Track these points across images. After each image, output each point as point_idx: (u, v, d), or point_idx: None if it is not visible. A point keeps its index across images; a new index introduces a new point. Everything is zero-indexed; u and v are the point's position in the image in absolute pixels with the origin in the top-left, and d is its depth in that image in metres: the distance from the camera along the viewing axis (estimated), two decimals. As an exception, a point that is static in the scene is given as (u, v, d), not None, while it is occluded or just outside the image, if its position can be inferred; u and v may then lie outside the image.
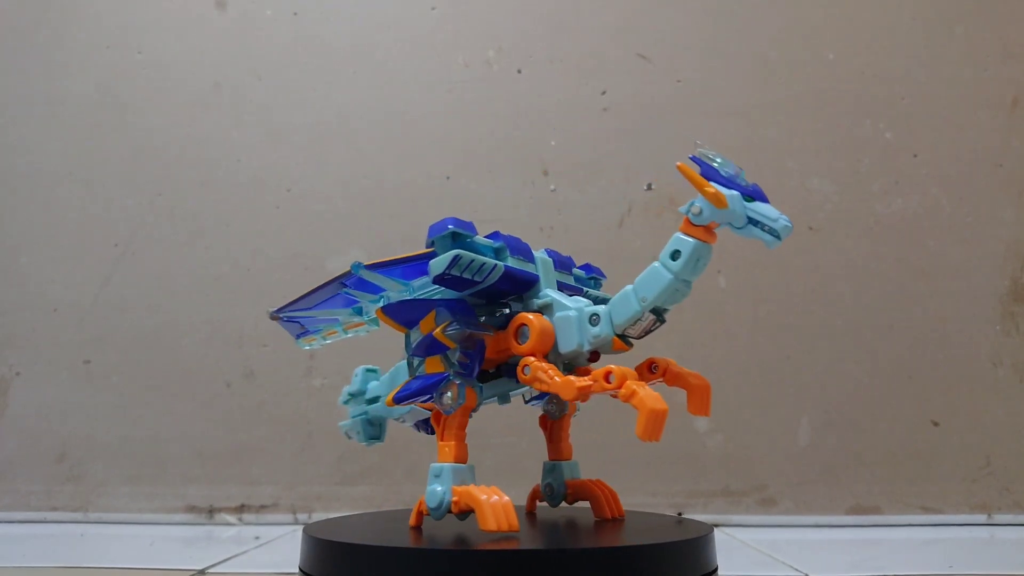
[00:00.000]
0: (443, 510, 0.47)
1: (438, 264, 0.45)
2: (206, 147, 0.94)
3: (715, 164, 0.43)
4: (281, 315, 0.54)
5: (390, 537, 0.47)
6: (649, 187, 0.91)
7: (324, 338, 0.58)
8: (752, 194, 0.43)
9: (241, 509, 0.89)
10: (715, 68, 0.92)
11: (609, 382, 0.43)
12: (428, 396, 0.47)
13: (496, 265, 0.46)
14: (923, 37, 0.91)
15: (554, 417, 0.57)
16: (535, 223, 0.91)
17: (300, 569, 0.49)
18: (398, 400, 0.48)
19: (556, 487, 0.56)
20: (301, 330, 0.57)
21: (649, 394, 0.41)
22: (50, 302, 0.93)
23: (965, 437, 0.88)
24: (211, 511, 0.89)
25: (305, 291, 0.52)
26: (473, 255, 0.45)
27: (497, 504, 0.44)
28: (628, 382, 0.43)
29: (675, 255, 0.44)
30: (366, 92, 0.93)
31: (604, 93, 0.92)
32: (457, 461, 0.47)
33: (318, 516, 0.87)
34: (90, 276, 0.93)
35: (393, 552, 0.43)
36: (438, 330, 0.46)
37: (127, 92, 0.95)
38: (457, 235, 0.46)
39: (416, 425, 0.57)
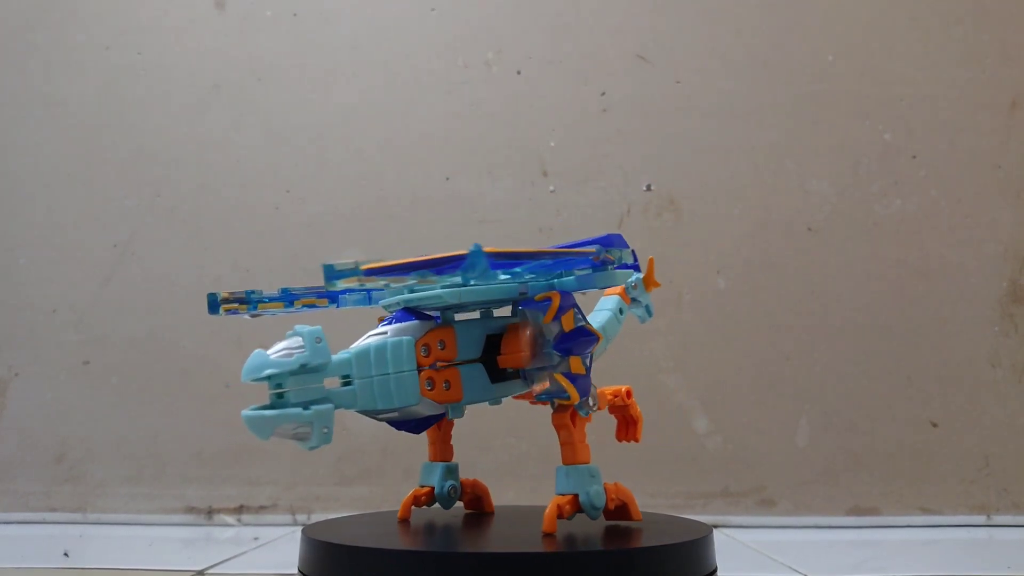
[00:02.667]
0: (602, 509, 0.49)
1: (624, 276, 0.52)
2: (206, 148, 0.94)
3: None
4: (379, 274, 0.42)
5: (389, 539, 0.47)
6: (648, 188, 0.91)
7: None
8: None
9: (240, 510, 0.89)
10: (714, 69, 0.92)
11: (630, 398, 0.54)
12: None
13: None
14: (922, 39, 0.92)
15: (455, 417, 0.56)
16: (534, 224, 0.91)
17: (299, 570, 0.49)
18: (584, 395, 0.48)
19: (458, 487, 0.55)
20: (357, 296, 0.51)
21: None
22: (49, 302, 0.93)
23: (964, 438, 0.88)
24: (210, 512, 0.89)
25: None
26: None
27: None
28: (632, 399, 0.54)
29: (622, 311, 0.57)
30: (366, 93, 0.93)
31: (603, 94, 0.92)
32: None
33: (317, 517, 0.87)
34: (89, 276, 0.93)
35: (392, 554, 0.43)
36: (599, 332, 0.49)
37: (127, 93, 0.95)
38: None
39: (398, 424, 0.49)
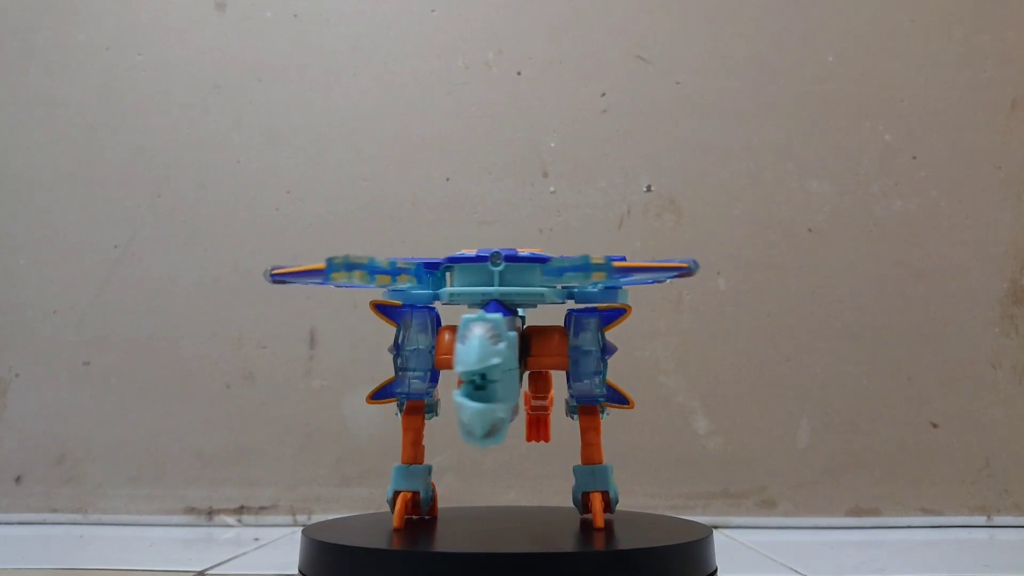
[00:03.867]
0: None
1: (626, 296, 0.54)
2: (206, 149, 0.94)
3: None
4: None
5: (389, 539, 0.47)
6: (648, 188, 0.91)
7: None
8: None
9: (240, 511, 0.89)
10: (715, 70, 0.92)
11: (552, 405, 0.58)
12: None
13: None
14: (922, 39, 0.91)
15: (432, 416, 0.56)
16: (534, 224, 0.91)
17: (299, 571, 0.49)
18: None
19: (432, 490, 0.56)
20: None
21: None
22: (49, 303, 0.93)
23: (964, 439, 0.88)
24: (210, 512, 0.89)
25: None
26: None
27: None
28: None
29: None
30: (366, 94, 0.93)
31: (603, 95, 0.92)
32: None
33: (317, 518, 0.87)
34: (90, 277, 0.93)
35: (392, 555, 0.43)
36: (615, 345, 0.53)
37: (127, 93, 0.94)
38: None
39: None
